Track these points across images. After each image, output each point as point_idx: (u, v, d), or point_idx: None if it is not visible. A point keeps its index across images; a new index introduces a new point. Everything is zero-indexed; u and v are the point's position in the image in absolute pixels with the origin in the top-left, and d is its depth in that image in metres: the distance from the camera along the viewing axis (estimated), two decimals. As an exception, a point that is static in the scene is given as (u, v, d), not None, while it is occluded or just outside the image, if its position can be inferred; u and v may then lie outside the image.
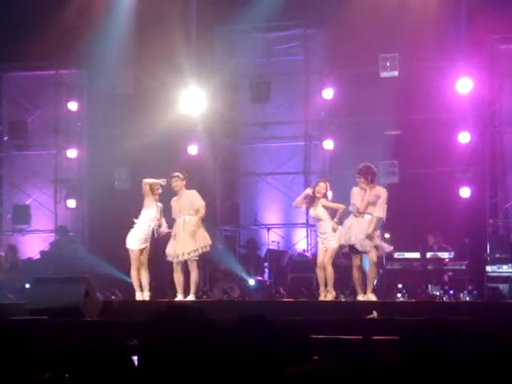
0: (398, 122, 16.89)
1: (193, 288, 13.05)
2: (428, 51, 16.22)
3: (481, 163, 16.71)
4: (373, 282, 12.64)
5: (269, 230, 17.71)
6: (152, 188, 13.27)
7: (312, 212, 12.88)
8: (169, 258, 13.18)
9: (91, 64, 18.03)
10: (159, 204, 13.37)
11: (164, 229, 13.32)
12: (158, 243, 13.47)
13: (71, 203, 18.84)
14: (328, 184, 13.01)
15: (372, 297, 12.37)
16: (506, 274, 14.93)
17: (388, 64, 16.57)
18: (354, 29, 15.90)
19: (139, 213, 13.37)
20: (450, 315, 9.46)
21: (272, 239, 17.68)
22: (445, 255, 15.36)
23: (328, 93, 17.49)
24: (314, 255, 14.66)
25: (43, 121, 19.12)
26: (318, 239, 13.20)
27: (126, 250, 13.50)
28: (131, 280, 13.41)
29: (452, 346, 2.92)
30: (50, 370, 4.07)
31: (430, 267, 15.31)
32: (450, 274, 15.17)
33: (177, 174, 13.14)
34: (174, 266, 13.11)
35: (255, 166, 18.64)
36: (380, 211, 12.31)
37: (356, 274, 12.44)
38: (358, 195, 12.37)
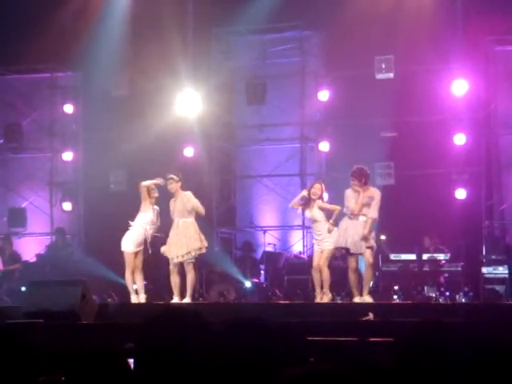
0: (394, 124, 16.90)
1: (189, 290, 13.05)
2: (423, 53, 16.24)
3: (476, 165, 16.72)
4: (369, 283, 12.65)
5: (265, 232, 17.72)
6: (149, 191, 13.27)
7: (308, 213, 12.92)
8: (165, 255, 13.21)
9: (86, 66, 18.03)
10: (156, 207, 13.37)
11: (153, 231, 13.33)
12: (154, 246, 13.45)
13: (67, 206, 18.82)
14: (323, 185, 13.06)
15: (368, 299, 12.39)
16: (502, 276, 14.93)
17: (383, 66, 16.59)
18: (349, 31, 15.93)
19: (135, 215, 13.37)
20: (446, 317, 9.47)
21: (268, 241, 17.68)
22: (441, 257, 15.37)
23: (324, 95, 17.50)
24: (310, 257, 14.66)
25: (39, 123, 19.11)
26: (314, 241, 13.22)
27: (122, 253, 13.50)
28: (126, 283, 13.40)
29: (448, 348, 2.92)
30: (46, 373, 4.06)
31: (425, 269, 15.32)
32: (446, 275, 15.18)
33: (171, 176, 13.14)
34: (171, 268, 13.12)
35: (251, 168, 18.64)
36: (374, 212, 12.37)
37: (352, 275, 12.47)
38: (351, 197, 12.42)
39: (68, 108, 18.97)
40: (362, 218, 12.35)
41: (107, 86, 17.90)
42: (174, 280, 13.13)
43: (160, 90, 17.39)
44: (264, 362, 3.00)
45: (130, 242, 13.26)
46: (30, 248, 18.51)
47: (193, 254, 13.03)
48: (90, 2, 17.94)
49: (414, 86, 16.25)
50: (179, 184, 13.16)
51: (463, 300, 14.49)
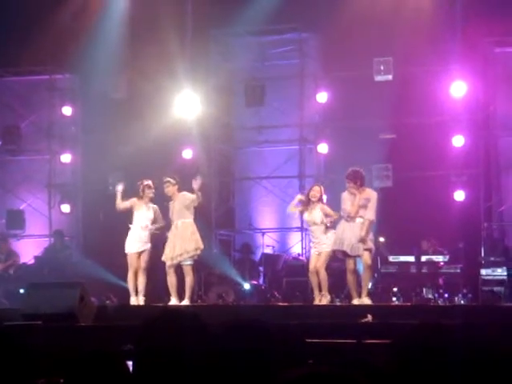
0: (393, 126, 16.90)
1: (188, 292, 13.04)
2: (422, 55, 16.25)
3: (475, 167, 16.73)
4: (367, 285, 12.64)
5: (263, 234, 17.71)
6: (143, 190, 13.29)
7: (307, 216, 12.89)
8: (164, 260, 13.20)
9: (85, 68, 18.02)
10: (152, 205, 13.33)
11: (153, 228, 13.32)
12: (153, 248, 13.45)
13: (65, 208, 18.81)
14: (322, 187, 13.06)
15: (367, 300, 12.38)
16: (501, 278, 14.93)
17: (382, 68, 16.59)
18: (348, 33, 15.92)
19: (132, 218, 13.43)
20: (445, 319, 9.46)
21: (267, 243, 17.68)
22: (439, 259, 15.37)
23: (322, 96, 17.50)
24: (309, 259, 14.66)
25: (37, 125, 19.10)
26: (311, 244, 13.22)
27: (121, 255, 13.50)
28: (128, 284, 13.40)
29: (446, 350, 2.92)
30: (45, 376, 4.06)
31: (424, 271, 15.32)
32: (445, 277, 15.18)
33: (168, 179, 13.13)
34: (167, 269, 13.11)
35: (250, 170, 18.64)
36: (371, 214, 12.38)
37: (350, 277, 12.46)
38: (347, 200, 12.44)
39: (66, 110, 18.95)
40: (358, 220, 12.36)
41: (105, 88, 17.90)
42: (171, 280, 13.12)
43: (158, 91, 17.38)
44: (263, 364, 3.00)
45: (129, 243, 13.28)
46: (29, 250, 18.48)
47: (185, 255, 13.00)
48: (88, 3, 17.93)
49: (413, 87, 16.26)
50: (176, 187, 13.14)
51: (462, 302, 14.48)
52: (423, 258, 15.41)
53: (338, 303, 13.73)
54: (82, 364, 3.02)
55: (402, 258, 15.51)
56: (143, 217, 13.30)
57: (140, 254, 13.27)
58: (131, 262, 13.27)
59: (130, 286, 13.33)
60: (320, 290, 12.68)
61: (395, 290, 14.87)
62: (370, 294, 12.76)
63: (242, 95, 17.94)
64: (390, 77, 16.53)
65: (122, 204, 13.33)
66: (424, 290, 14.91)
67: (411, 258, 15.47)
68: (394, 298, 14.67)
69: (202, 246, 13.16)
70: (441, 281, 15.12)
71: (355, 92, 16.40)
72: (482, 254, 15.97)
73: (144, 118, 17.36)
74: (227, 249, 18.19)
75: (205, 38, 17.91)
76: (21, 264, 18.13)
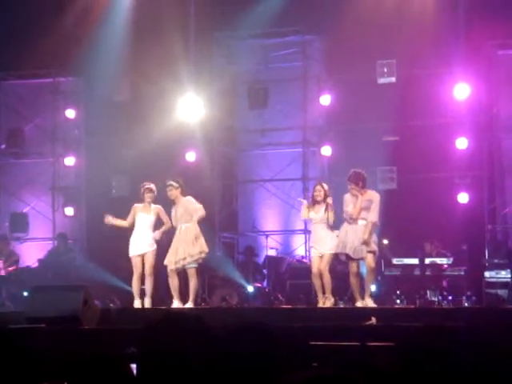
0: (396, 128, 16.90)
1: (192, 295, 13.02)
2: (425, 57, 16.24)
3: (479, 169, 16.72)
4: (370, 287, 12.62)
5: (267, 236, 17.70)
6: (143, 193, 13.31)
7: (313, 214, 12.79)
8: (166, 264, 13.17)
9: (88, 71, 18.03)
10: (154, 207, 13.30)
11: (157, 235, 13.29)
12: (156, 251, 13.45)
13: (69, 211, 18.82)
14: (325, 185, 12.95)
15: (370, 303, 12.36)
16: (505, 280, 14.92)
17: (385, 70, 16.59)
18: (351, 35, 15.92)
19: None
20: (449, 321, 9.45)
21: (270, 246, 17.67)
22: (443, 261, 15.35)
23: (326, 99, 17.50)
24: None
25: (41, 129, 19.11)
26: (311, 243, 13.05)
27: (124, 258, 13.51)
28: (132, 287, 13.41)
29: (450, 352, 2.91)
30: (49, 379, 4.05)
31: (428, 273, 15.30)
32: (448, 279, 15.16)
33: (170, 182, 13.09)
34: (169, 272, 13.09)
35: (253, 173, 18.64)
36: (374, 215, 12.32)
37: (353, 280, 12.43)
38: (350, 202, 12.40)
39: (70, 113, 18.98)
40: (361, 222, 12.33)
41: (109, 91, 17.91)
42: (173, 283, 13.10)
43: (162, 94, 17.39)
44: (266, 366, 2.99)
45: (132, 246, 13.29)
46: (32, 253, 18.50)
47: (189, 259, 12.97)
48: (91, 7, 17.94)
49: (416, 90, 16.25)
50: (179, 190, 13.10)
51: (466, 304, 14.47)
52: (427, 261, 15.39)
53: (342, 306, 13.72)
54: (86, 367, 3.01)
55: (406, 261, 15.49)
56: (144, 220, 13.29)
57: (143, 256, 13.26)
58: (134, 264, 13.28)
59: (134, 289, 13.33)
60: (323, 293, 12.65)
61: (399, 292, 14.85)
62: (372, 296, 12.73)
63: (246, 98, 17.96)
64: (393, 79, 16.54)
65: (127, 222, 13.34)
66: (428, 292, 14.89)
67: (415, 261, 15.45)
68: (398, 301, 14.66)
69: (206, 250, 13.14)
70: (445, 283, 15.10)
71: (358, 94, 16.40)
72: (486, 257, 15.95)
73: (147, 121, 17.37)
74: (231, 251, 18.19)
75: (208, 41, 17.92)
76: (24, 267, 18.15)
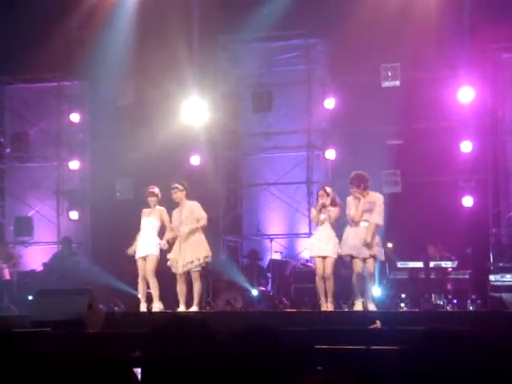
0: (400, 132, 16.89)
1: (196, 299, 13.02)
2: (430, 60, 16.24)
3: (483, 172, 16.70)
4: (371, 290, 12.56)
5: (271, 240, 17.69)
6: (146, 197, 13.32)
7: (322, 216, 12.76)
8: (170, 266, 13.15)
9: (93, 75, 18.06)
10: (158, 209, 13.29)
11: (163, 246, 13.27)
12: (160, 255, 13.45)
13: (74, 215, 18.83)
14: (328, 188, 12.92)
15: (371, 306, 12.32)
16: (510, 283, 14.89)
17: (390, 74, 16.59)
18: (355, 39, 15.92)
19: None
20: (454, 325, 9.44)
21: (275, 249, 17.66)
22: (448, 264, 15.34)
23: (330, 102, 17.50)
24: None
25: (45, 132, 19.14)
26: (316, 242, 12.92)
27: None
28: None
29: (455, 356, 2.91)
30: (53, 383, 4.05)
31: (433, 276, 15.28)
32: (453, 283, 15.14)
33: (176, 185, 13.09)
34: (178, 276, 13.09)
35: (258, 176, 18.63)
36: (377, 217, 12.29)
37: (355, 278, 12.37)
38: (352, 205, 12.39)
39: (74, 117, 19.00)
40: (363, 224, 12.30)
41: (113, 95, 17.93)
42: (181, 289, 13.10)
43: (166, 98, 17.41)
44: (271, 370, 2.99)
45: (137, 249, 13.31)
46: (37, 257, 18.52)
47: (196, 262, 12.97)
48: (95, 11, 17.97)
49: (420, 93, 16.25)
50: (184, 193, 13.10)
51: (471, 308, 14.44)
52: (431, 264, 15.37)
53: (346, 309, 13.70)
54: (90, 372, 3.01)
55: (411, 264, 15.47)
56: (147, 223, 13.31)
57: (143, 259, 13.27)
58: (138, 268, 13.31)
59: (140, 292, 13.36)
60: (326, 297, 12.63)
61: (403, 296, 14.83)
62: (374, 301, 12.69)
63: (250, 101, 17.97)
64: (397, 82, 16.53)
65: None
66: (433, 295, 14.87)
67: (420, 264, 15.43)
68: (403, 304, 14.64)
69: (210, 254, 13.15)
70: (449, 287, 15.07)
71: (363, 98, 16.40)
72: (491, 260, 15.93)
73: (152, 125, 17.39)
74: (235, 255, 18.19)
75: (212, 45, 17.93)
76: (29, 271, 18.19)
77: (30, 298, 14.67)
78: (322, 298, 12.66)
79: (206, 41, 17.70)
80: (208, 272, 14.88)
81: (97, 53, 17.38)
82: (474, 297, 14.77)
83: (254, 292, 16.17)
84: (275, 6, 17.01)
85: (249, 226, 18.76)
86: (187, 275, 13.09)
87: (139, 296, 13.38)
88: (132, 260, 13.47)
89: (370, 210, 12.30)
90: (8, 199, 19.61)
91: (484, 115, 16.77)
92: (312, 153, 17.95)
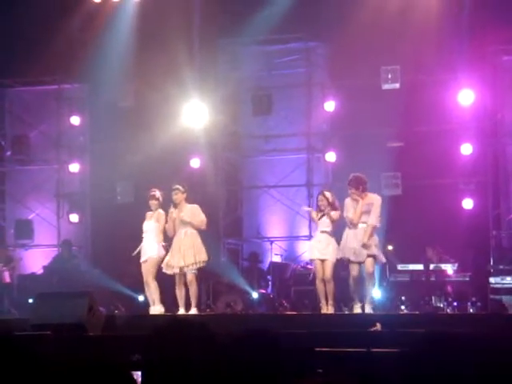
0: (400, 134, 16.89)
1: (193, 301, 13.01)
2: (430, 63, 16.24)
3: (483, 174, 16.70)
4: (370, 292, 12.55)
5: (272, 242, 17.69)
6: (148, 200, 13.33)
7: (322, 219, 12.77)
8: (167, 271, 13.13)
9: (93, 78, 18.06)
10: (157, 212, 13.29)
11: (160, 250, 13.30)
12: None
13: (74, 218, 18.83)
14: (328, 193, 12.93)
15: (368, 308, 12.31)
16: (510, 286, 14.89)
17: (390, 76, 16.60)
18: (355, 41, 15.92)
19: (142, 226, 13.44)
20: (454, 327, 9.44)
21: (275, 252, 17.66)
22: (448, 267, 15.34)
23: (330, 105, 17.51)
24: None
25: (46, 135, 19.14)
26: (316, 244, 12.92)
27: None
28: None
29: (455, 358, 2.91)
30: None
31: (433, 279, 15.28)
32: (453, 285, 15.14)
33: (177, 186, 13.11)
34: (177, 279, 13.09)
35: (258, 179, 18.64)
36: (374, 219, 12.29)
37: (353, 283, 12.37)
38: (350, 207, 12.41)
39: (75, 120, 19.01)
40: (361, 226, 12.32)
41: (114, 98, 17.94)
42: (180, 292, 13.10)
43: (166, 101, 17.41)
44: (272, 373, 3.00)
45: (141, 253, 13.34)
46: (37, 260, 18.52)
47: (195, 266, 12.97)
48: (96, 13, 17.98)
49: (421, 96, 16.25)
50: (184, 195, 13.12)
51: (471, 310, 14.44)
52: (432, 267, 15.38)
53: (347, 312, 13.70)
54: (89, 375, 3.01)
55: (411, 267, 15.47)
56: (147, 227, 13.33)
57: (144, 263, 13.29)
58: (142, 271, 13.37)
59: (147, 295, 13.45)
60: (327, 300, 12.63)
61: (404, 298, 14.83)
62: (373, 302, 12.68)
63: (250, 104, 17.98)
64: (397, 85, 16.54)
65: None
66: (433, 298, 14.87)
67: (420, 267, 15.43)
68: (403, 307, 14.64)
69: (207, 258, 13.15)
70: (449, 289, 15.07)
71: (363, 100, 16.40)
72: (491, 263, 15.92)
73: (152, 127, 17.39)
74: (235, 257, 18.18)
75: (212, 48, 17.94)
76: (29, 274, 18.20)
77: (31, 300, 14.65)
78: (323, 301, 12.66)
79: (206, 44, 17.71)
80: (208, 274, 14.89)
81: (97, 56, 17.38)
82: (474, 299, 14.77)
83: (254, 294, 16.17)
84: (275, 10, 17.02)
85: (249, 229, 18.75)
86: (185, 277, 13.07)
87: (149, 299, 13.38)
88: (132, 262, 13.47)
89: (368, 212, 12.32)
90: (8, 202, 19.61)
91: (484, 118, 16.77)
92: (312, 155, 17.96)
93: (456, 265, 15.35)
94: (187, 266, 12.93)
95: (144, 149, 17.15)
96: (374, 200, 12.46)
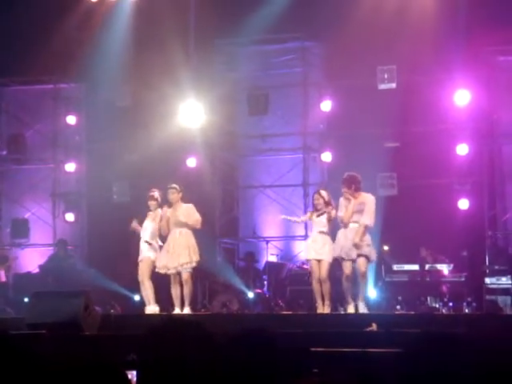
0: (397, 134, 16.90)
1: (187, 300, 12.99)
2: (426, 63, 16.24)
3: (479, 175, 16.72)
4: (364, 292, 12.52)
5: (267, 242, 17.69)
6: (147, 199, 13.34)
7: (316, 218, 12.78)
8: (160, 271, 13.12)
9: (90, 77, 18.06)
10: (156, 212, 13.30)
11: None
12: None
13: (70, 217, 18.82)
14: (324, 192, 12.93)
15: (362, 307, 12.30)
16: (505, 286, 14.91)
17: (386, 76, 16.60)
18: (351, 41, 15.93)
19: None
20: (449, 327, 9.45)
21: (271, 252, 17.67)
22: (444, 267, 15.36)
23: (326, 105, 17.52)
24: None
25: (42, 134, 19.13)
26: (312, 244, 12.94)
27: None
28: None
29: (450, 359, 2.91)
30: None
31: (428, 279, 15.30)
32: (449, 286, 15.15)
33: (174, 185, 13.13)
34: (172, 279, 13.08)
35: (254, 179, 18.64)
36: (366, 218, 12.27)
37: (345, 282, 12.35)
38: (343, 206, 12.40)
39: (71, 119, 19.00)
40: (352, 225, 12.28)
41: (110, 97, 17.92)
42: (175, 291, 13.08)
43: (163, 100, 17.41)
44: (268, 372, 3.00)
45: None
46: (33, 259, 18.50)
47: (190, 265, 12.97)
48: (93, 13, 17.98)
49: (417, 96, 16.25)
50: (180, 195, 13.13)
51: (466, 310, 14.46)
52: (427, 267, 15.40)
53: (342, 312, 13.70)
54: (84, 375, 3.01)
55: (407, 267, 15.49)
56: (144, 227, 13.34)
57: (140, 262, 13.31)
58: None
59: (143, 295, 13.48)
60: (323, 300, 12.63)
61: (399, 298, 14.84)
62: (366, 302, 12.67)
63: (246, 104, 17.98)
64: (393, 85, 16.54)
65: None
66: (428, 298, 14.88)
67: (415, 267, 15.45)
68: (399, 307, 14.65)
69: (199, 258, 13.16)
70: (445, 289, 15.08)
71: (359, 100, 16.41)
72: (487, 263, 15.94)
73: (148, 127, 17.38)
74: (231, 257, 18.19)
75: (208, 48, 17.94)
76: (25, 273, 18.18)
77: (26, 299, 14.64)
78: (319, 301, 12.65)
79: (202, 44, 17.71)
80: (204, 274, 14.89)
81: (94, 55, 17.38)
82: (469, 299, 14.78)
83: (250, 294, 16.18)
84: (271, 9, 17.03)
85: (245, 228, 18.76)
86: (180, 277, 13.07)
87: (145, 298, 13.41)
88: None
89: (360, 211, 12.29)
90: (4, 201, 19.59)
91: (480, 118, 16.79)
92: (308, 155, 17.96)
93: (451, 265, 15.37)
94: (181, 265, 12.92)
95: (140, 148, 17.14)
96: (367, 200, 12.43)
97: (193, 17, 17.71)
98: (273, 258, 17.64)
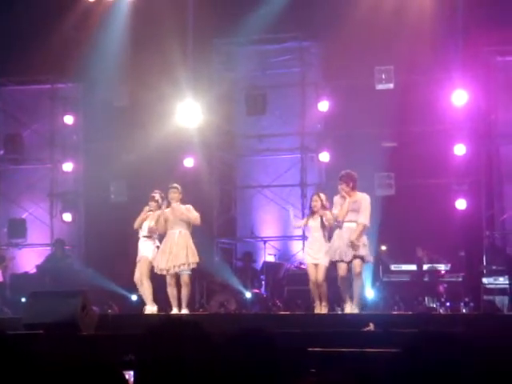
0: (394, 134, 16.90)
1: (185, 302, 12.98)
2: (423, 63, 16.26)
3: (477, 175, 16.72)
4: (358, 294, 12.48)
5: (265, 242, 17.69)
6: (149, 201, 13.34)
7: (312, 222, 12.79)
8: (158, 271, 13.10)
9: (87, 77, 18.06)
10: (157, 213, 13.31)
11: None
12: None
13: (67, 217, 18.81)
14: (323, 194, 12.95)
15: (355, 309, 12.26)
16: (503, 286, 14.91)
17: (383, 76, 16.60)
18: (349, 41, 15.94)
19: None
20: (447, 327, 9.45)
21: (268, 252, 17.67)
22: (441, 267, 15.36)
23: (324, 105, 17.52)
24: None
25: (39, 134, 19.12)
26: (307, 249, 12.96)
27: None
28: None
29: (448, 359, 2.91)
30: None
31: (426, 279, 15.30)
32: (446, 285, 15.16)
33: (175, 185, 13.14)
34: (168, 279, 13.07)
35: (252, 179, 18.64)
36: (363, 218, 12.23)
37: (341, 282, 12.32)
38: (338, 204, 12.37)
39: (68, 119, 18.98)
40: (347, 225, 12.23)
41: (108, 97, 17.92)
42: (172, 291, 13.06)
43: (160, 100, 17.41)
44: (265, 372, 2.99)
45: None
46: (30, 259, 18.49)
47: (188, 267, 12.96)
48: (90, 13, 17.97)
49: (414, 96, 16.26)
50: (180, 196, 13.14)
51: (464, 310, 14.46)
52: (425, 267, 15.41)
53: (340, 312, 13.70)
54: (81, 375, 3.00)
55: (404, 267, 15.50)
56: (144, 227, 13.34)
57: (138, 262, 13.31)
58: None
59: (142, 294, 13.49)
60: (320, 301, 12.64)
61: (397, 298, 14.85)
62: (362, 303, 12.66)
63: (244, 104, 17.97)
64: (391, 85, 16.55)
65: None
66: (426, 298, 14.89)
67: (413, 267, 15.46)
68: (396, 307, 14.65)
69: (198, 260, 13.15)
70: (442, 289, 15.09)
71: (357, 100, 16.42)
72: (484, 263, 15.94)
73: (146, 127, 17.37)
74: (229, 257, 18.18)
75: (206, 48, 17.93)
76: (22, 273, 18.17)
77: (23, 299, 14.64)
78: (317, 302, 12.67)
79: (200, 44, 17.70)
80: (202, 274, 14.88)
81: (91, 55, 17.38)
82: (467, 299, 14.80)
83: (248, 294, 16.18)
84: (269, 9, 17.03)
85: (242, 228, 18.76)
86: (177, 278, 13.06)
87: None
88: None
89: (355, 210, 12.24)
90: (2, 201, 19.57)
91: (478, 118, 16.79)
92: (306, 155, 17.96)
93: (449, 265, 15.38)
94: (178, 267, 12.91)
95: (138, 148, 17.13)
96: (362, 199, 12.38)
97: (191, 16, 17.70)
98: (270, 258, 17.64)
